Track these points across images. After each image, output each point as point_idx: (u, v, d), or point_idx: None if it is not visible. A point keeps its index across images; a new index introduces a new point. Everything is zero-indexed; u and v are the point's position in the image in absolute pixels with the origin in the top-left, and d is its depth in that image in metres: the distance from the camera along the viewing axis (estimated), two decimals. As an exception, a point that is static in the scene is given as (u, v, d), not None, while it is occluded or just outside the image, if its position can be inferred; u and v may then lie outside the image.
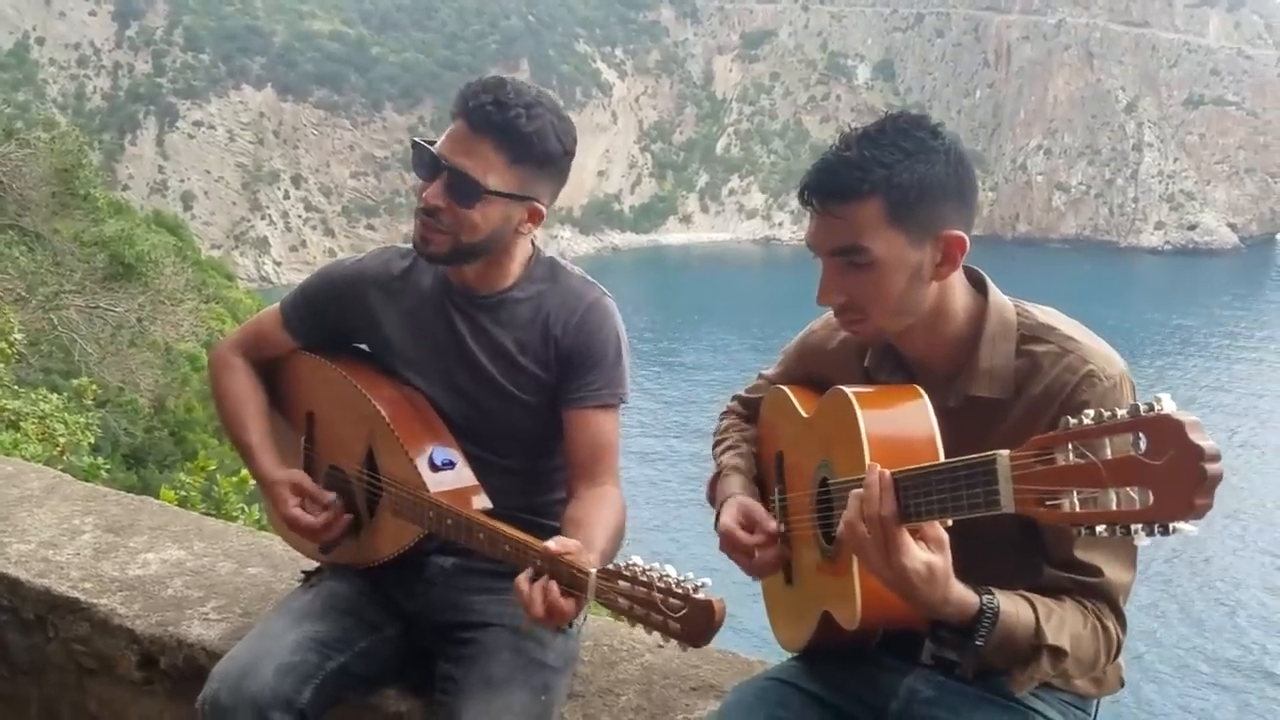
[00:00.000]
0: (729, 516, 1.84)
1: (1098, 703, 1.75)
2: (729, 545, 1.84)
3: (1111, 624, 1.59)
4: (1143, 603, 28.73)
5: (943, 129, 1.65)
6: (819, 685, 1.77)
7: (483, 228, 1.95)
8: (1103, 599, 1.59)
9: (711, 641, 1.54)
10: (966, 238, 1.63)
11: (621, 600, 1.55)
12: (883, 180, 1.58)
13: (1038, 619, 1.52)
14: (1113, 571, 1.59)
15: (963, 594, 1.48)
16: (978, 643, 1.49)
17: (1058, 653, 1.53)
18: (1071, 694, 1.70)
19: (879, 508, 1.44)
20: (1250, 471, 39.87)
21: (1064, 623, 1.54)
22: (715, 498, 1.98)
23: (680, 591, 1.50)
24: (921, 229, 1.61)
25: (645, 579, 1.53)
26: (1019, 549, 1.62)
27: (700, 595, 1.49)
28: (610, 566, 1.60)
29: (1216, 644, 29.62)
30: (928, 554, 1.43)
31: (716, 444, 2.10)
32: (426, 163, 1.96)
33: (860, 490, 1.47)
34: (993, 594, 1.50)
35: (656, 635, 1.54)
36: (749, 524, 1.83)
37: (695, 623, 1.49)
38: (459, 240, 1.96)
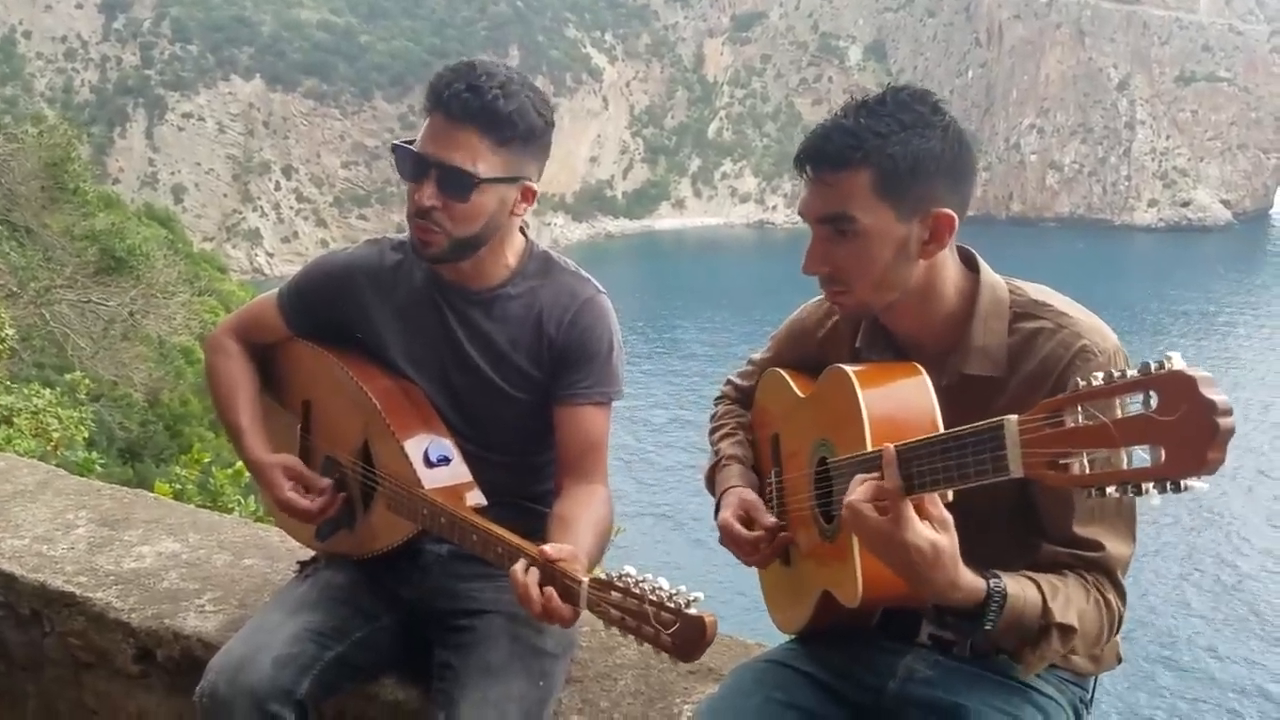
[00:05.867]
0: (729, 511, 1.85)
1: (1095, 679, 1.75)
2: (729, 539, 1.84)
3: (1113, 597, 1.59)
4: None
5: (944, 105, 1.63)
6: (816, 667, 1.77)
7: (480, 218, 1.92)
8: (1103, 573, 1.59)
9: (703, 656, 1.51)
10: (956, 217, 1.61)
11: (613, 611, 1.54)
12: (875, 151, 1.57)
13: (1044, 598, 1.51)
14: (1113, 546, 1.58)
15: (971, 579, 1.46)
16: (986, 627, 1.48)
17: (1066, 630, 1.52)
18: (1070, 671, 1.70)
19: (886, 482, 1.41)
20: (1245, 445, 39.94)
21: (1070, 600, 1.53)
22: (714, 486, 1.97)
23: (673, 606, 1.48)
24: (911, 204, 1.60)
25: (638, 591, 1.51)
26: (1015, 527, 1.61)
27: (692, 610, 1.47)
28: (603, 576, 1.57)
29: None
30: (933, 533, 1.41)
31: (713, 430, 2.10)
32: (412, 164, 1.90)
33: (863, 475, 1.46)
34: (999, 577, 1.48)
35: (648, 647, 1.51)
36: (748, 518, 1.83)
37: (687, 638, 1.47)
38: (458, 235, 1.93)
